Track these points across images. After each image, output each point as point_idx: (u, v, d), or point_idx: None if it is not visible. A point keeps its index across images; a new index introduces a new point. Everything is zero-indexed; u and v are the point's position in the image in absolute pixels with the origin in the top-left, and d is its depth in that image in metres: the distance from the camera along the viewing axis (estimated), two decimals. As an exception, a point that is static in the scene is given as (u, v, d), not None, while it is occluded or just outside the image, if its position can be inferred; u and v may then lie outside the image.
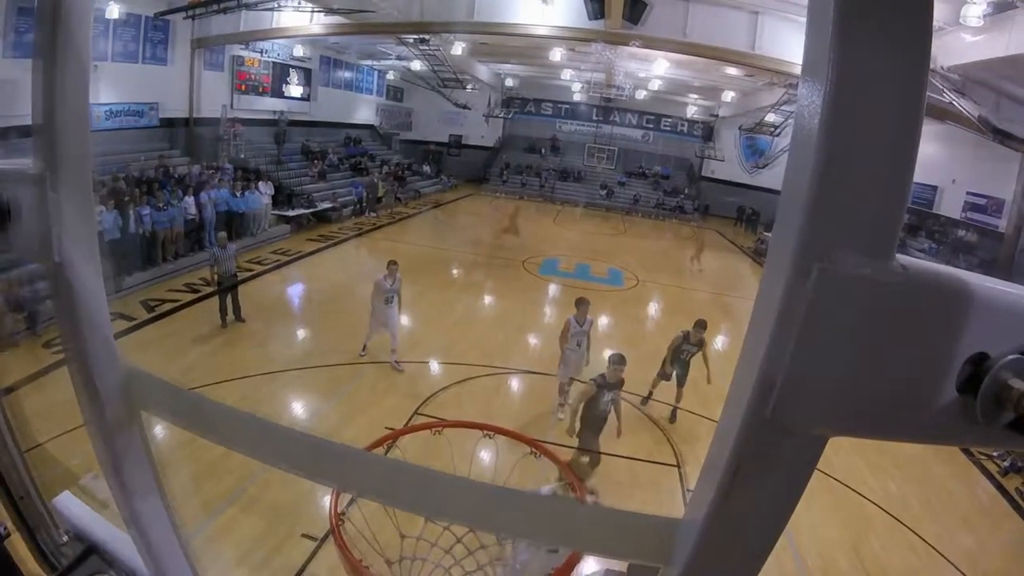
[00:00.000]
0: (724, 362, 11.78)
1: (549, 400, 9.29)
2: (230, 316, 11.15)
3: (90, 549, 1.65)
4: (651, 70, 22.58)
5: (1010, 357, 0.60)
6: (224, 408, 1.13)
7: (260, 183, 17.98)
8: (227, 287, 11.22)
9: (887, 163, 0.60)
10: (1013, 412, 0.59)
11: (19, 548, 1.67)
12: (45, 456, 5.09)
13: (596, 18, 15.33)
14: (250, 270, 14.63)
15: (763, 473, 0.70)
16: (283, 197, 19.76)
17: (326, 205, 21.03)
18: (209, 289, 12.59)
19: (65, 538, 1.76)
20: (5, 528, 1.55)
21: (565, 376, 9.04)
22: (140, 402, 1.16)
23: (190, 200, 15.19)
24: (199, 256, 14.49)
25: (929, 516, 7.32)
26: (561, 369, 9.04)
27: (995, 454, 8.91)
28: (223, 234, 12.09)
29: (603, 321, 13.72)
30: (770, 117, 23.74)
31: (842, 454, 8.10)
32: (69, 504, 1.79)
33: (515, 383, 9.99)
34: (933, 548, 6.76)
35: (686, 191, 33.12)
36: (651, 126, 34.92)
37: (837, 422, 0.65)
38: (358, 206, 22.55)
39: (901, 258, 0.60)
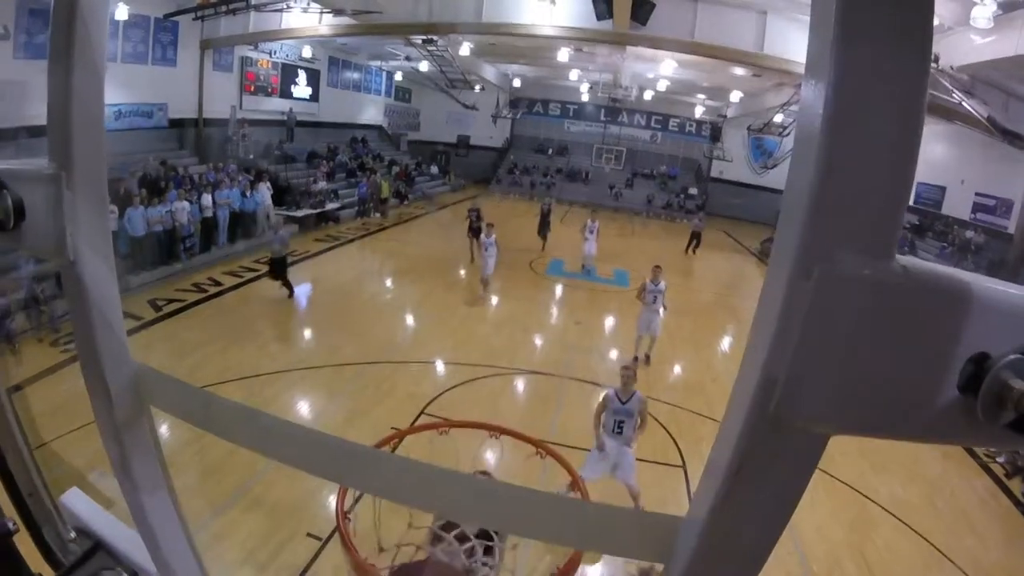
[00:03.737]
0: (729, 362, 11.78)
1: (554, 401, 9.30)
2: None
3: (97, 545, 1.66)
4: (658, 71, 22.54)
5: (1011, 357, 0.60)
6: (233, 405, 1.14)
7: (261, 183, 18.04)
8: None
9: (888, 164, 0.60)
10: (1014, 412, 0.59)
11: (26, 544, 1.68)
12: (52, 454, 5.13)
13: (604, 18, 15.31)
14: (256, 269, 14.68)
15: (765, 471, 0.71)
16: (291, 197, 19.82)
17: (334, 205, 21.09)
18: (215, 289, 12.76)
19: (72, 534, 1.77)
20: (13, 523, 1.56)
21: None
22: (150, 398, 1.17)
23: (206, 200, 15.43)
24: (205, 256, 14.64)
25: (934, 518, 7.29)
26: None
27: (999, 458, 8.87)
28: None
29: (609, 322, 13.72)
30: (778, 118, 23.69)
31: (847, 456, 8.07)
32: (77, 500, 1.79)
33: (520, 384, 10.00)
34: (938, 550, 6.73)
35: (689, 192, 33.03)
36: (659, 127, 34.88)
37: (838, 421, 0.65)
38: (362, 207, 22.58)
39: (901, 258, 0.61)
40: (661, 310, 11.09)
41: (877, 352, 0.61)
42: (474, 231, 17.01)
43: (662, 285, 11.05)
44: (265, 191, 17.79)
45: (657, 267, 11.29)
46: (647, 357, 11.07)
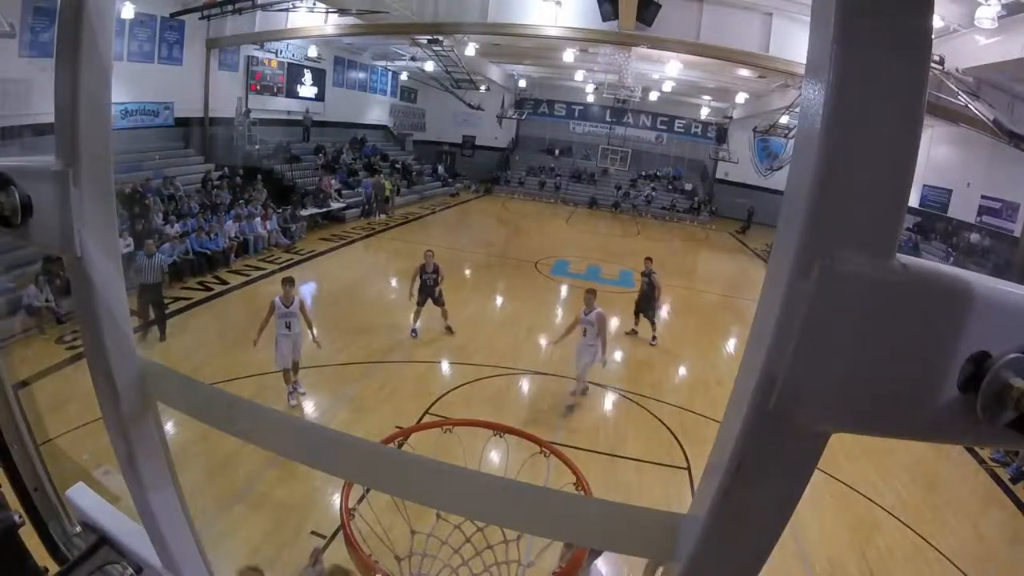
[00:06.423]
0: (734, 364, 11.75)
1: (559, 401, 9.29)
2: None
3: (102, 540, 1.66)
4: (664, 72, 22.51)
5: (1011, 356, 0.60)
6: (238, 400, 1.15)
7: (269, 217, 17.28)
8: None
9: (888, 162, 0.60)
10: (1014, 411, 0.59)
11: (31, 538, 1.69)
12: (57, 450, 5.16)
13: (609, 19, 15.29)
14: (262, 268, 14.71)
15: (765, 469, 0.71)
16: (296, 197, 19.85)
17: (339, 205, 21.11)
18: (220, 288, 12.79)
19: (77, 528, 1.78)
20: (20, 516, 1.57)
21: None
22: (156, 394, 1.18)
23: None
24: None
25: (938, 521, 7.27)
26: None
27: (995, 453, 8.84)
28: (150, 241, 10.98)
29: (613, 323, 13.69)
30: (783, 119, 23.60)
31: (851, 459, 8.05)
32: (82, 495, 1.80)
33: (525, 384, 9.99)
34: (942, 554, 6.71)
35: (698, 193, 33.02)
36: (664, 128, 34.84)
37: (838, 418, 0.65)
38: (367, 207, 22.58)
39: (902, 257, 0.61)
40: (598, 350, 9.04)
41: (877, 350, 0.61)
42: (428, 293, 11.39)
43: (594, 315, 8.98)
44: (273, 221, 17.52)
45: (590, 291, 9.38)
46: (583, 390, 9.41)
